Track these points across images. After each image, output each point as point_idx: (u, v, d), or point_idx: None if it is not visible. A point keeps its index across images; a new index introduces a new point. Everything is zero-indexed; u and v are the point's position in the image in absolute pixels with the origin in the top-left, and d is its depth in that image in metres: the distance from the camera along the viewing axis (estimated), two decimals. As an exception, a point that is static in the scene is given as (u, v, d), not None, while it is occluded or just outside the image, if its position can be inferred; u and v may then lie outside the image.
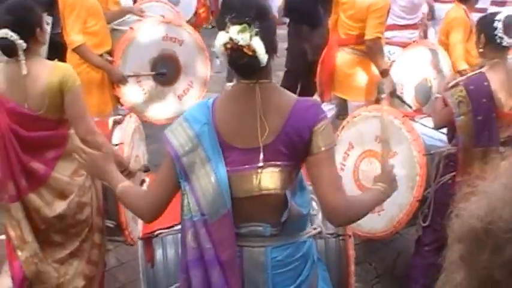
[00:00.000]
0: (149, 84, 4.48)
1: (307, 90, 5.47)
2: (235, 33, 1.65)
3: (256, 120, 1.79)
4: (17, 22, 2.51)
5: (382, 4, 4.23)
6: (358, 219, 1.91)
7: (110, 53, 4.34)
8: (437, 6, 6.09)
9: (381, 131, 2.99)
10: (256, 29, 1.66)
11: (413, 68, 4.65)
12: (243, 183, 1.83)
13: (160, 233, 2.25)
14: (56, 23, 4.49)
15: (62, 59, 3.85)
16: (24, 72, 2.52)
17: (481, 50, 3.03)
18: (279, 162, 1.81)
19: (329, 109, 4.51)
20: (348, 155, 3.46)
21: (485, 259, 0.81)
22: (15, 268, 2.73)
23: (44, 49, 3.85)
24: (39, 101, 2.57)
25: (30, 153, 2.62)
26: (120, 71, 4.30)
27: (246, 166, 1.82)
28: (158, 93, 4.51)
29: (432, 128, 3.32)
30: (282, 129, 1.79)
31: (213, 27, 7.65)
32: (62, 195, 2.70)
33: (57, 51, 4.10)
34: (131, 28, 4.42)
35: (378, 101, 4.48)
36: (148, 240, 2.27)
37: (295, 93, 5.29)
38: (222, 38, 1.68)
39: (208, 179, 1.81)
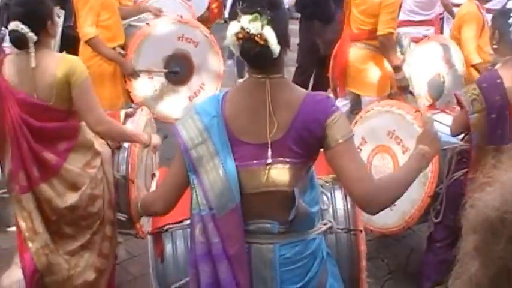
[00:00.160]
0: (161, 81, 4.48)
1: (320, 85, 5.47)
2: (247, 22, 1.64)
3: (265, 116, 1.77)
4: (28, 14, 2.53)
5: None
6: (397, 198, 1.81)
7: (123, 47, 4.35)
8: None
9: None
10: (268, 18, 1.64)
11: (425, 63, 4.61)
12: (251, 178, 1.82)
13: (170, 228, 2.24)
14: (68, 16, 4.50)
15: (75, 52, 3.87)
16: (33, 65, 2.53)
17: (495, 46, 3.02)
18: (287, 159, 1.79)
19: (343, 104, 4.51)
20: (361, 150, 3.44)
21: (500, 249, 0.80)
22: (26, 260, 2.74)
23: (55, 42, 3.86)
24: (47, 92, 2.58)
25: (42, 143, 2.63)
26: (133, 64, 4.30)
27: (255, 161, 1.80)
28: (169, 91, 4.51)
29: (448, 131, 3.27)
30: (291, 125, 1.77)
31: (225, 22, 7.65)
32: (74, 186, 2.70)
33: (69, 44, 4.10)
34: (148, 24, 4.42)
35: (390, 96, 4.46)
36: (158, 235, 2.26)
37: (307, 88, 5.28)
38: (233, 27, 1.67)
39: (217, 172, 1.80)
